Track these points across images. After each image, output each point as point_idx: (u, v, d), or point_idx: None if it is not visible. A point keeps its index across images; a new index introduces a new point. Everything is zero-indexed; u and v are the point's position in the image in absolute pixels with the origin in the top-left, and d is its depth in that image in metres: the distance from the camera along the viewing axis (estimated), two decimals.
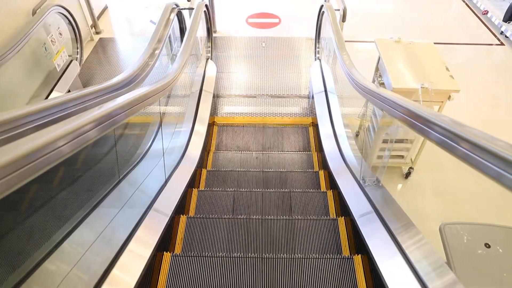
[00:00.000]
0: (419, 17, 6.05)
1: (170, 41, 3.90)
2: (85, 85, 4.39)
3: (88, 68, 4.72)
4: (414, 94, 2.60)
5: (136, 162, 2.32)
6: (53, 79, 3.76)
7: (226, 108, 4.11)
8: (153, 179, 2.29)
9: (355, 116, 3.72)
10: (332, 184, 2.79)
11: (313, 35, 4.49)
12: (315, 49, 4.37)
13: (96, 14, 5.33)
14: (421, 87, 2.55)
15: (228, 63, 4.86)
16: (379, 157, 3.11)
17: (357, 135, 3.64)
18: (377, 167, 2.33)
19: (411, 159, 3.28)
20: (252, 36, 5.41)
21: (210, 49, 4.29)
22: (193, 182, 2.77)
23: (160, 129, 2.52)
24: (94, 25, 5.30)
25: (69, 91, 3.94)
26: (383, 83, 2.96)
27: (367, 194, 2.22)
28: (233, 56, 4.98)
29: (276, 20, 5.79)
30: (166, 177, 2.36)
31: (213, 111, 4.01)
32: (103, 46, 5.20)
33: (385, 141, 2.92)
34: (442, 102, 2.71)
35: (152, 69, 2.40)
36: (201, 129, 3.24)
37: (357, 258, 1.91)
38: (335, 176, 2.75)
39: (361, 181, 2.38)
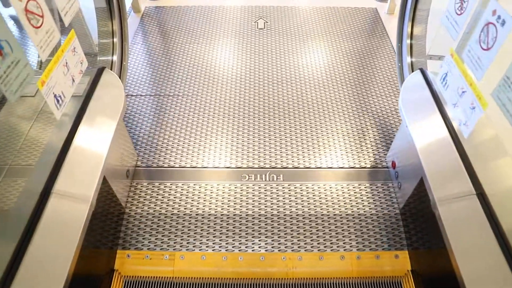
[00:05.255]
0: None
1: None
2: None
3: None
4: None
5: None
6: None
7: (151, 228, 1.42)
8: None
9: None
10: None
11: (375, 2, 1.74)
12: (401, 41, 1.62)
13: None
14: None
15: (176, 71, 2.10)
16: None
17: None
18: None
19: None
20: (239, 5, 2.64)
21: (116, 40, 1.57)
22: None
23: None
24: None
25: None
26: None
27: None
28: (193, 52, 2.22)
29: None
30: None
31: (111, 241, 1.32)
32: None
33: None
34: None
35: None
36: None
37: None
38: None
39: None
